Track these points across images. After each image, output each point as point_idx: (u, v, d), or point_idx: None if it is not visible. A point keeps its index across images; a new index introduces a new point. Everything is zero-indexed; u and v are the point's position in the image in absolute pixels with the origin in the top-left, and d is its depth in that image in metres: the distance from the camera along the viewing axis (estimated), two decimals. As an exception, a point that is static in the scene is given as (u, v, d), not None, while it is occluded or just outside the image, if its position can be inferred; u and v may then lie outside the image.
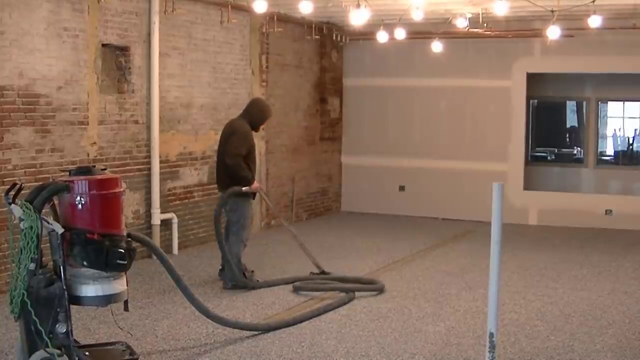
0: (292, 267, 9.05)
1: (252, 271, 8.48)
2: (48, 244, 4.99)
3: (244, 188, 8.04)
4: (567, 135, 16.38)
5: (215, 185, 10.99)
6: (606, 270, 9.35)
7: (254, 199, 8.35)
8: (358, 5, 9.17)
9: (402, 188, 13.95)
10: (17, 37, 7.68)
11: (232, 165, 8.04)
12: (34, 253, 4.85)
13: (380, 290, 8.00)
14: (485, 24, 11.49)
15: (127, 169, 9.26)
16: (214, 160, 10.70)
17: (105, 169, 5.38)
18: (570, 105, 16.17)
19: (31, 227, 4.84)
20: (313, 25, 12.59)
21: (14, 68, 7.69)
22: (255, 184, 8.21)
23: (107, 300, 5.15)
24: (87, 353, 5.20)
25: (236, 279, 8.01)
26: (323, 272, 8.59)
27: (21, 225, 4.87)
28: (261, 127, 8.81)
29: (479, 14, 10.96)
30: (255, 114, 8.42)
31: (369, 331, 6.63)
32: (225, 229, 8.30)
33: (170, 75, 9.93)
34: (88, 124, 8.66)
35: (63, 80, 8.30)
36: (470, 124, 13.53)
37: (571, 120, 16.47)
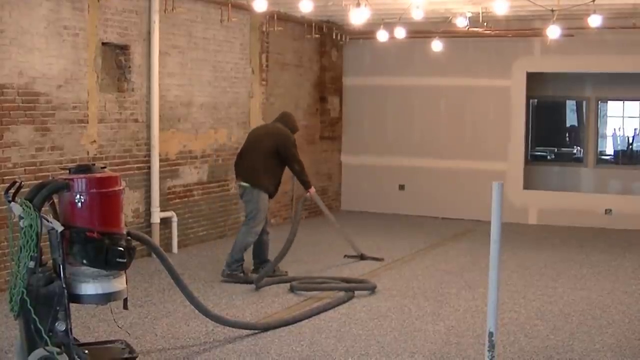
0: (291, 266, 9.04)
1: (286, 272, 8.71)
2: (47, 242, 4.99)
3: (307, 195, 8.82)
4: (567, 135, 16.38)
5: (215, 184, 11.00)
6: (606, 270, 9.35)
7: (272, 197, 8.61)
8: (358, 4, 9.17)
9: (401, 187, 13.95)
10: (16, 36, 7.67)
11: (299, 171, 8.61)
12: (33, 251, 4.84)
13: (373, 290, 8.01)
14: (485, 23, 11.48)
15: (127, 167, 9.26)
16: (213, 159, 10.74)
17: (104, 168, 5.36)
18: (570, 105, 16.16)
19: (31, 226, 4.83)
20: (313, 24, 12.58)
21: (14, 67, 7.69)
22: (312, 190, 8.78)
23: (106, 298, 5.13)
24: (86, 351, 5.18)
25: (233, 271, 8.37)
26: (362, 256, 9.57)
27: (21, 223, 4.86)
28: None
29: (479, 13, 10.96)
30: (292, 127, 8.80)
31: (369, 330, 6.63)
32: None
33: (170, 74, 9.92)
34: (88, 122, 8.66)
35: (63, 79, 8.29)
36: (470, 124, 13.53)
37: (571, 119, 16.46)
